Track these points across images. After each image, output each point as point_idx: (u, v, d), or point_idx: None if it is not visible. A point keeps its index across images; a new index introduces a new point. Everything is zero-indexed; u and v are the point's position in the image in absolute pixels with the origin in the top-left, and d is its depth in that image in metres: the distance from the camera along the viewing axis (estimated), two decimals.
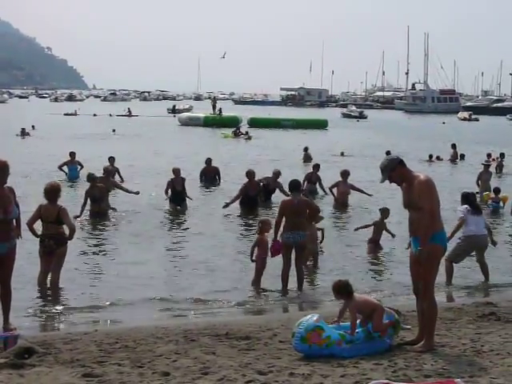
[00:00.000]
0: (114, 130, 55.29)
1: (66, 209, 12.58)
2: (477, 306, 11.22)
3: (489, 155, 34.31)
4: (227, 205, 20.92)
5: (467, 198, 14.25)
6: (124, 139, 50.12)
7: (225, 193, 24.80)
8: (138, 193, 22.04)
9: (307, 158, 36.30)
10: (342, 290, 8.83)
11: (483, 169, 26.42)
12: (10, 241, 9.92)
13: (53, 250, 12.39)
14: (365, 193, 23.33)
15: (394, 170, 8.65)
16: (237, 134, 54.71)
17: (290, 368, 7.86)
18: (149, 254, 15.93)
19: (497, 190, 23.30)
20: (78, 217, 18.63)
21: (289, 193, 20.51)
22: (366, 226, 17.06)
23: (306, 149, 37.15)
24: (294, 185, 13.36)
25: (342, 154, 41.24)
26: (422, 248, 8.44)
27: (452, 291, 13.55)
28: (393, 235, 16.71)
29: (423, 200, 8.39)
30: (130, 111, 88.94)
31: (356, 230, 17.22)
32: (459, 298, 13.00)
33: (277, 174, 23.31)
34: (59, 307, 11.89)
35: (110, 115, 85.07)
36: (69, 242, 12.52)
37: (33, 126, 51.24)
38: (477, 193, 23.21)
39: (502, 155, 34.61)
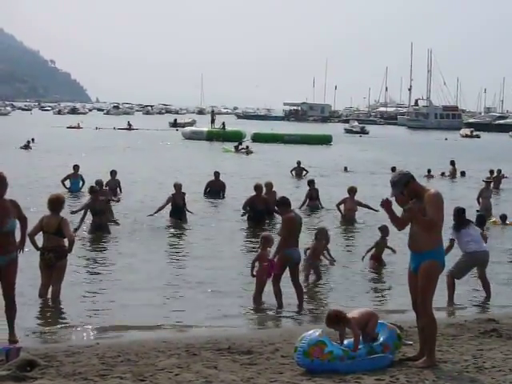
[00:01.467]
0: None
1: (67, 220, 12.60)
2: (479, 323, 11.22)
3: (491, 172, 34.34)
4: (244, 214, 21.57)
5: (460, 214, 13.97)
6: (127, 153, 50.20)
7: (229, 207, 24.82)
8: (118, 200, 23.08)
9: (299, 173, 36.42)
10: (339, 318, 8.81)
11: (484, 186, 26.24)
12: (8, 254, 9.89)
13: (52, 263, 12.38)
14: (371, 208, 23.08)
15: (407, 185, 8.65)
16: (238, 149, 54.71)
17: (292, 383, 7.86)
18: (151, 267, 15.91)
19: (504, 218, 23.31)
20: (77, 230, 18.27)
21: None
22: (370, 250, 16.97)
23: (298, 163, 37.15)
24: (288, 201, 13.44)
25: (346, 170, 41.28)
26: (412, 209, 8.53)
27: (454, 307, 13.55)
28: (394, 251, 16.72)
29: (430, 210, 8.40)
30: (130, 125, 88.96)
31: (363, 258, 17.01)
32: (461, 314, 12.99)
33: (269, 185, 23.13)
34: (61, 320, 11.89)
35: (114, 128, 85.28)
36: (69, 254, 12.52)
37: (33, 139, 51.12)
38: (477, 211, 23.23)
39: (499, 171, 34.63)
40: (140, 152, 51.27)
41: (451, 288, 13.81)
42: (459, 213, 14.03)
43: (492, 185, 30.02)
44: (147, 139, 66.01)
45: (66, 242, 12.41)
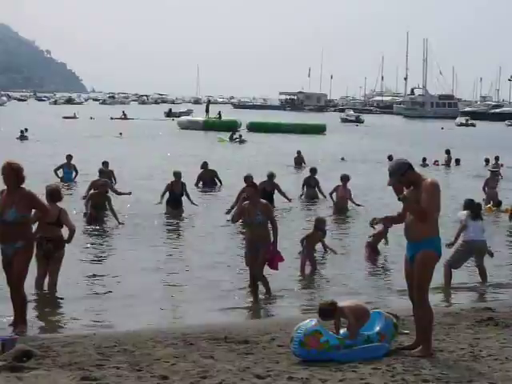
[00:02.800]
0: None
1: (66, 210, 12.61)
2: (475, 311, 11.23)
3: (487, 160, 34.32)
4: (229, 211, 20.66)
5: (469, 206, 14.43)
6: (121, 143, 50.17)
7: (222, 197, 24.81)
8: (130, 193, 22.27)
9: (299, 162, 36.29)
10: (332, 310, 8.82)
11: (490, 175, 25.79)
12: (12, 243, 9.96)
13: (51, 253, 12.36)
14: (355, 203, 23.02)
15: (404, 174, 8.63)
16: (233, 139, 54.72)
17: (289, 372, 7.87)
18: (147, 258, 15.89)
19: (498, 204, 23.35)
20: (87, 213, 19.22)
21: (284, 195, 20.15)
22: (373, 235, 16.93)
23: (298, 152, 37.00)
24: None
25: (343, 159, 41.13)
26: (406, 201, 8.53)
27: (450, 296, 13.56)
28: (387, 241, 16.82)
29: (425, 199, 8.38)
30: (124, 114, 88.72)
31: (369, 237, 16.99)
32: (457, 303, 13.00)
33: (271, 176, 23.16)
34: (58, 310, 11.91)
35: (112, 118, 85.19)
36: (67, 245, 12.52)
37: (26, 129, 50.87)
38: (483, 199, 23.30)
39: (497, 158, 34.46)
40: (134, 142, 51.25)
41: (448, 277, 13.85)
42: (472, 205, 14.50)
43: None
44: (141, 129, 65.81)
45: (63, 232, 12.42)
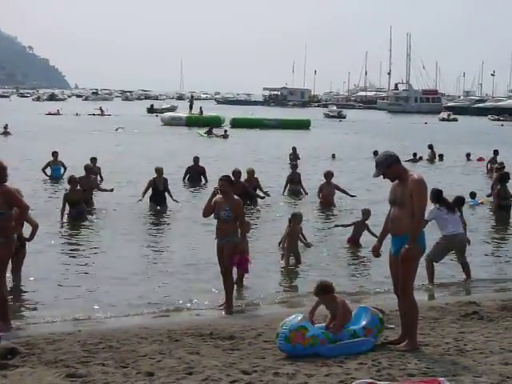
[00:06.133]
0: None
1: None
2: (460, 306, 11.27)
3: (468, 155, 34.06)
4: None
5: (437, 196, 13.97)
6: (104, 139, 50.02)
7: (207, 194, 24.72)
8: (112, 190, 22.23)
9: (295, 158, 36.00)
10: (329, 288, 8.96)
11: (497, 173, 25.52)
12: None
13: (17, 251, 12.21)
14: (348, 194, 23.20)
15: (390, 166, 8.67)
16: (210, 133, 54.85)
17: (275, 368, 7.88)
18: (130, 254, 15.86)
19: (473, 195, 23.42)
20: (62, 224, 18.79)
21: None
22: (346, 226, 17.17)
23: (294, 149, 36.60)
24: None
25: (333, 157, 40.39)
26: (411, 247, 8.45)
27: (434, 290, 13.59)
28: (376, 236, 16.75)
29: (417, 201, 8.42)
30: (101, 110, 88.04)
31: (336, 226, 17.37)
32: (442, 297, 13.03)
33: (251, 172, 23.16)
34: (42, 308, 11.84)
35: (94, 115, 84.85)
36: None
37: (6, 125, 50.51)
38: (488, 195, 23.40)
39: (496, 152, 34.02)
40: (119, 138, 51.11)
41: (430, 271, 13.87)
42: (440, 195, 14.08)
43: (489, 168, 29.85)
44: (129, 125, 65.53)
45: None
